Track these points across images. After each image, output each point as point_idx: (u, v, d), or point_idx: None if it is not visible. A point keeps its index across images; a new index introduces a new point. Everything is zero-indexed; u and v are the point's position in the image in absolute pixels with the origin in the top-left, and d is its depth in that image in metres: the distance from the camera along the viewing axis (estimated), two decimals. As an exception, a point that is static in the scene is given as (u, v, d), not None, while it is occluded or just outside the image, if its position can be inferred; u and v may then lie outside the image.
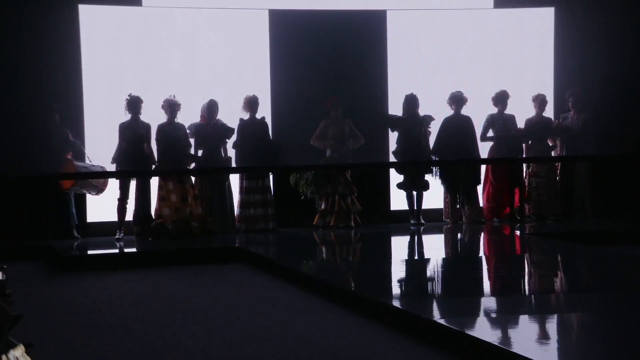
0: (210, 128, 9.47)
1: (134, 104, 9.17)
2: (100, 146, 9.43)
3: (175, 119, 9.34)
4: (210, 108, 9.46)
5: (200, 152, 9.50)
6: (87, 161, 9.25)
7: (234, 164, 9.62)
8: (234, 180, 9.70)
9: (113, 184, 9.14)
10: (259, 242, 8.99)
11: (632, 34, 10.90)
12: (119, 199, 9.14)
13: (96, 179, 9.01)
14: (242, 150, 9.60)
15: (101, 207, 9.54)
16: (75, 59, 9.66)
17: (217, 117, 9.52)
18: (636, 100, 10.84)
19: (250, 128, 9.64)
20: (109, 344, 4.84)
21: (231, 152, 9.67)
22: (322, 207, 9.72)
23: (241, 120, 9.67)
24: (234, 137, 9.63)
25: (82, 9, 9.73)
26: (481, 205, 10.19)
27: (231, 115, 9.66)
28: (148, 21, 9.98)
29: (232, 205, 9.64)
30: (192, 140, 9.47)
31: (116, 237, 9.08)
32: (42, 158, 9.17)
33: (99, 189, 9.10)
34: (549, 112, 10.36)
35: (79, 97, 9.67)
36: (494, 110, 10.12)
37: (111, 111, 9.45)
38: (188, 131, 9.44)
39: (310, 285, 6.40)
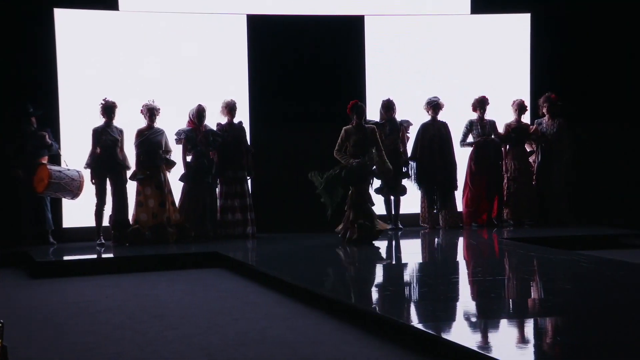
0: (200, 134, 9.42)
1: (108, 109, 9.11)
2: (76, 150, 9.35)
3: (155, 124, 9.29)
4: (200, 113, 9.41)
5: (189, 158, 9.44)
6: (63, 165, 9.17)
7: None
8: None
9: (89, 189, 9.06)
10: (237, 247, 8.97)
11: (608, 39, 11.02)
12: (96, 205, 9.08)
13: (71, 184, 8.91)
14: (220, 154, 9.56)
15: (77, 212, 9.46)
16: (51, 62, 9.60)
17: (205, 123, 9.48)
18: (612, 104, 10.95)
19: (229, 133, 9.61)
20: (86, 350, 4.81)
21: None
22: (349, 217, 8.91)
23: (219, 124, 9.64)
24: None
25: (58, 12, 9.68)
26: (460, 210, 10.22)
27: (208, 120, 9.62)
28: (125, 25, 9.93)
29: (216, 210, 9.59)
30: (180, 146, 9.40)
31: (98, 242, 9.03)
32: (16, 161, 9.09)
33: (74, 194, 8.98)
34: (526, 118, 10.44)
35: (54, 101, 9.61)
36: (474, 115, 10.18)
37: (88, 115, 9.38)
38: (176, 137, 9.40)
39: (289, 291, 6.40)
